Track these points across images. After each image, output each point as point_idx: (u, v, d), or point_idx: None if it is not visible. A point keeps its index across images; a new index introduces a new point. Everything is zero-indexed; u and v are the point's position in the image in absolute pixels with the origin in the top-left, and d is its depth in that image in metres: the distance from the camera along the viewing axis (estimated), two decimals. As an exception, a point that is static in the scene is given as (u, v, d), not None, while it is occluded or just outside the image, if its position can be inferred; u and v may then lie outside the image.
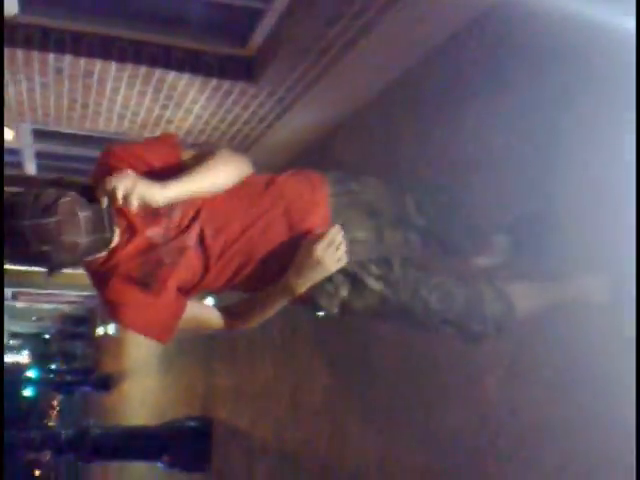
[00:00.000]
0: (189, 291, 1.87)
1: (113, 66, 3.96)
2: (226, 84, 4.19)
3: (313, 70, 3.83)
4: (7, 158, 6.31)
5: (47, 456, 27.67)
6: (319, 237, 1.83)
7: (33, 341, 33.24)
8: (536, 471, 2.54)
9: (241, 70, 4.14)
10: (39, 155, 6.26)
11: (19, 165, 6.46)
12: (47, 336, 32.89)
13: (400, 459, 3.48)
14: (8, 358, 31.31)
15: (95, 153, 5.86)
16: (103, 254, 1.77)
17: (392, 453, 3.56)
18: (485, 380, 2.84)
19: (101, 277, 1.82)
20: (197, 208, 1.81)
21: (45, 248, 1.61)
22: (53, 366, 26.20)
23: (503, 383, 2.74)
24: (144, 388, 11.58)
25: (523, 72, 2.74)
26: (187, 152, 1.87)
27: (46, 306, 23.31)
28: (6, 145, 6.03)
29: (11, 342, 32.83)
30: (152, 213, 1.77)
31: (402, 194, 2.09)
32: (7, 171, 6.34)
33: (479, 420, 2.87)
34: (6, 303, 22.08)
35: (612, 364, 2.20)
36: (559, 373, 2.44)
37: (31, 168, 6.61)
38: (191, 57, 4.06)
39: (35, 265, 1.69)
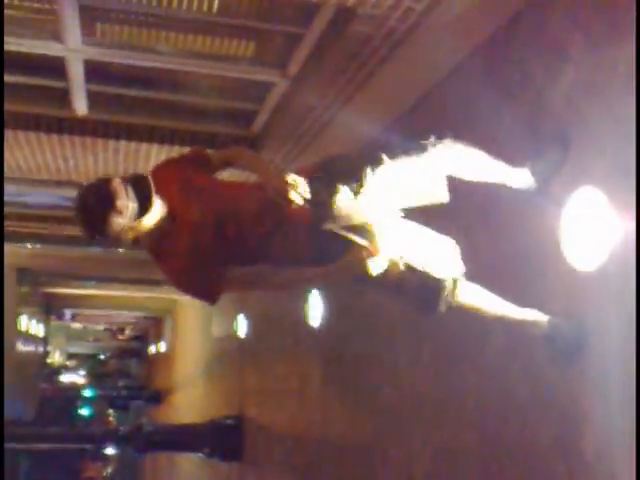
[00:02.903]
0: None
1: (155, 147, 5.45)
2: (238, 155, 5.62)
3: (298, 145, 5.24)
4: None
5: (104, 472, 29.06)
6: None
7: (89, 361, 34.25)
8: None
9: (247, 145, 5.58)
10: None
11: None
12: (102, 356, 34.03)
13: (362, 434, 4.82)
14: (65, 378, 32.61)
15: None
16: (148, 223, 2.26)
17: (358, 427, 4.89)
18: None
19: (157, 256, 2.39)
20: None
21: (104, 209, 2.13)
22: (109, 384, 27.42)
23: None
24: (190, 396, 13.00)
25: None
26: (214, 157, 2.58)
27: (102, 327, 24.74)
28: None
29: (68, 363, 33.97)
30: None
31: None
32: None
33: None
34: (64, 324, 23.62)
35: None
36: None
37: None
38: (212, 138, 5.51)
39: (101, 231, 2.18)
